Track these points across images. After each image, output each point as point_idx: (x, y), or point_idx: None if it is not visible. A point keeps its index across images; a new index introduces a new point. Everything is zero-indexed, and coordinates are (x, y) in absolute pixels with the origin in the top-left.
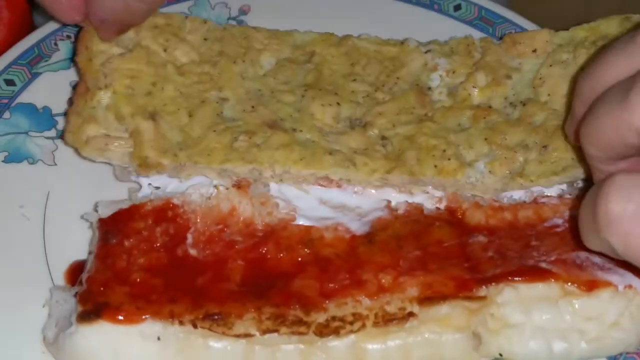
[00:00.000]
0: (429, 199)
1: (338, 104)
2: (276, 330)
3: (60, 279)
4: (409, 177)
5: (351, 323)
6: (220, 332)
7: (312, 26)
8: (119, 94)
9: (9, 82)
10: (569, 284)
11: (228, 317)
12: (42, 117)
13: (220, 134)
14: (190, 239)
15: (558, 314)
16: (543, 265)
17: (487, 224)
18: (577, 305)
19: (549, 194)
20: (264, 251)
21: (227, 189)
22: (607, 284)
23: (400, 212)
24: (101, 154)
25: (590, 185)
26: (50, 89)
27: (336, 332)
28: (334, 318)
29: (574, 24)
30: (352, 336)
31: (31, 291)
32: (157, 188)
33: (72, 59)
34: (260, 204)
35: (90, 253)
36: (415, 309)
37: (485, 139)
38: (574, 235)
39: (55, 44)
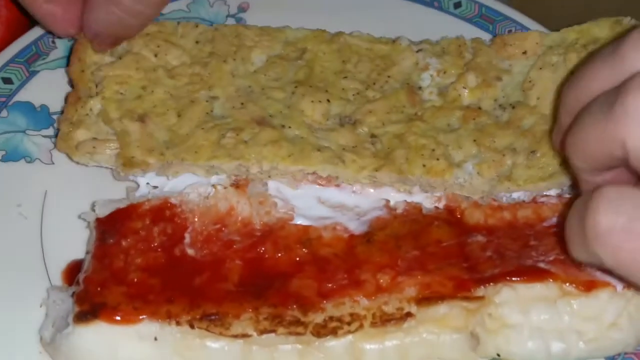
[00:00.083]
0: (428, 198)
1: (328, 101)
2: (274, 331)
3: (58, 279)
4: (398, 175)
5: (349, 323)
6: (217, 333)
7: (312, 22)
8: (109, 99)
9: (7, 81)
10: (568, 284)
11: (225, 317)
12: (39, 116)
13: (208, 132)
14: (187, 238)
15: (556, 314)
16: (541, 265)
17: (485, 223)
18: (575, 306)
19: (548, 193)
20: (261, 251)
21: (225, 188)
22: (606, 284)
23: (399, 211)
24: (91, 158)
25: (578, 192)
26: (48, 88)
27: (334, 332)
28: (331, 318)
29: (574, 22)
30: (350, 336)
31: (28, 291)
32: (155, 187)
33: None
34: (259, 203)
35: (87, 253)
36: (413, 309)
37: (474, 140)
38: (560, 239)
39: (53, 42)
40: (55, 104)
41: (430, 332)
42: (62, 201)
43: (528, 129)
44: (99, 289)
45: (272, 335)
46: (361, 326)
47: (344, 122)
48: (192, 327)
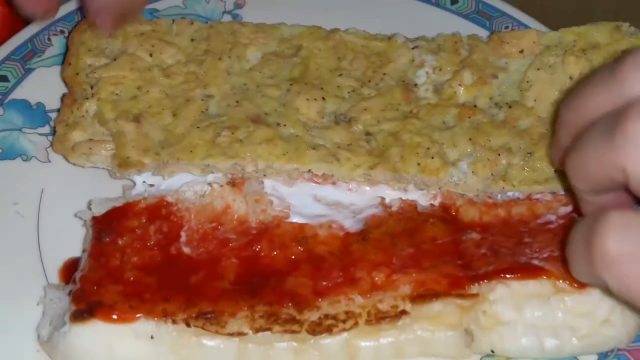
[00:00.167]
0: (424, 195)
1: (323, 98)
2: (269, 329)
3: (55, 277)
4: (392, 173)
5: (344, 321)
6: (213, 331)
7: (308, 18)
8: (104, 100)
9: (2, 78)
10: (561, 281)
11: (221, 315)
12: (35, 114)
13: (203, 130)
14: (184, 237)
15: (550, 311)
16: (535, 262)
17: (480, 220)
18: (568, 302)
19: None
20: (257, 249)
21: (221, 186)
22: None
23: (394, 209)
24: (87, 159)
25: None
26: (43, 85)
27: (329, 330)
28: (326, 316)
29: (571, 17)
30: (345, 334)
31: (25, 289)
32: (151, 185)
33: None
34: (255, 201)
35: (84, 251)
36: (408, 306)
37: (470, 139)
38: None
39: (49, 39)
40: (51, 102)
41: (425, 330)
42: (59, 199)
43: (524, 130)
44: (95, 287)
45: (268, 333)
46: (356, 324)
47: (339, 120)
48: (188, 325)
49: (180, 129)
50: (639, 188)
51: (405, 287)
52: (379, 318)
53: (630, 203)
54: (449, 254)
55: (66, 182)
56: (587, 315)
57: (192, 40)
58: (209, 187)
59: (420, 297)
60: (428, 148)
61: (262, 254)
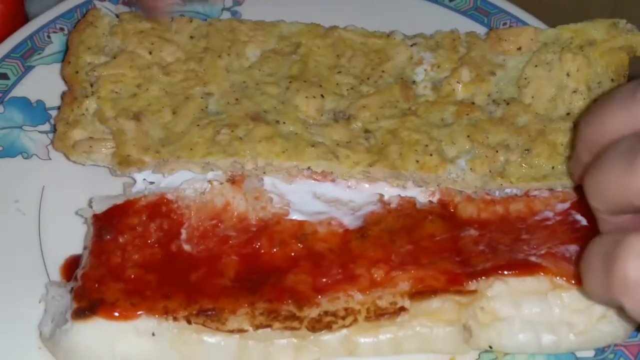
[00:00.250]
0: (422, 192)
1: (322, 96)
2: (269, 326)
3: (56, 274)
4: (391, 171)
5: (343, 318)
6: (214, 328)
7: (307, 16)
8: (104, 98)
9: (2, 76)
10: (558, 277)
11: (222, 312)
12: (36, 111)
13: (203, 128)
14: (184, 234)
15: (547, 307)
16: (533, 259)
17: (478, 217)
18: (565, 299)
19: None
20: (257, 246)
21: (221, 184)
22: None
23: (393, 206)
24: (87, 157)
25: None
26: (43, 83)
27: (328, 327)
28: (326, 313)
29: (568, 14)
30: (345, 330)
31: (27, 286)
32: (152, 183)
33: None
34: (254, 198)
35: (85, 248)
36: (407, 303)
37: (468, 136)
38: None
39: (49, 37)
40: (51, 99)
41: (424, 326)
42: (60, 197)
43: (522, 127)
44: (96, 285)
45: (268, 330)
46: (355, 320)
47: (338, 118)
48: (189, 322)
49: (180, 127)
50: None
51: (404, 284)
52: (378, 314)
53: None
54: (448, 250)
55: (67, 180)
56: (584, 311)
57: (192, 37)
58: (209, 185)
59: (419, 293)
60: (426, 145)
61: (262, 251)
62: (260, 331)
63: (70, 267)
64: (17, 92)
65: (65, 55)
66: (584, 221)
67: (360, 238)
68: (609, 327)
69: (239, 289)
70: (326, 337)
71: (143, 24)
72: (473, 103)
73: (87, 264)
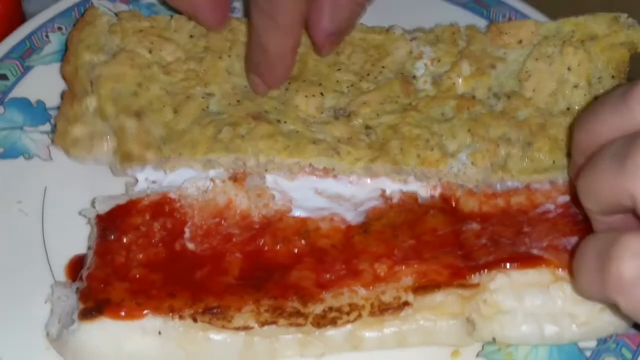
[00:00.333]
0: (423, 187)
1: (322, 94)
2: (274, 322)
3: (61, 274)
4: (392, 166)
5: (348, 313)
6: (219, 326)
7: None
8: (105, 97)
9: (2, 77)
10: (560, 269)
11: (227, 310)
12: (36, 112)
13: (204, 127)
14: (187, 233)
15: (549, 298)
16: (535, 251)
17: (480, 210)
18: (567, 290)
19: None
20: (260, 243)
21: (223, 181)
22: None
23: (394, 201)
24: (88, 154)
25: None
26: (43, 83)
27: (333, 322)
28: (330, 309)
29: (567, 6)
30: (349, 325)
31: (32, 287)
32: (154, 182)
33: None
34: (257, 196)
35: (89, 248)
36: (410, 297)
37: (469, 130)
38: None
39: (47, 36)
40: (51, 99)
41: (427, 319)
42: (62, 197)
43: (523, 121)
44: (102, 285)
45: (273, 326)
46: (360, 316)
47: (339, 115)
48: (194, 320)
49: (182, 126)
50: None
51: (407, 279)
52: (382, 309)
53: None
54: (450, 244)
55: (69, 180)
56: (586, 302)
57: (191, 36)
58: (211, 183)
59: (422, 288)
60: (427, 140)
61: (266, 248)
62: (265, 328)
63: (75, 267)
64: (17, 92)
65: (65, 54)
66: (581, 213)
67: (362, 233)
68: (611, 318)
69: (244, 287)
70: (331, 332)
71: (142, 23)
72: (473, 97)
73: (92, 264)
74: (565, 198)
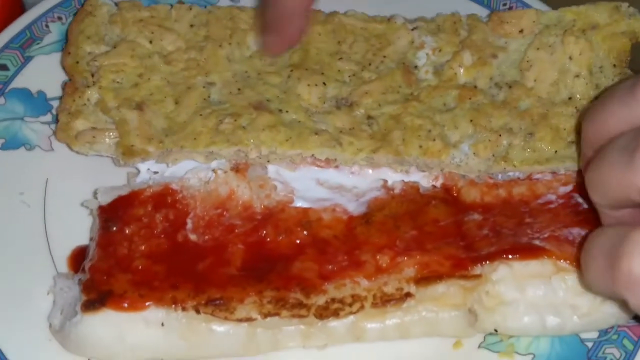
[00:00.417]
0: (425, 177)
1: (324, 83)
2: (277, 314)
3: (63, 265)
4: (395, 156)
5: (350, 305)
6: (222, 317)
7: None
8: (106, 88)
9: (2, 67)
10: (562, 260)
11: (230, 301)
12: (37, 102)
13: (206, 118)
14: (190, 224)
15: (551, 290)
16: (536, 242)
17: (482, 201)
18: (569, 281)
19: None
20: (263, 234)
21: (225, 172)
22: None
23: (396, 191)
24: (90, 147)
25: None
26: (43, 73)
27: (335, 314)
28: (333, 300)
29: None
30: (352, 317)
31: (35, 278)
32: (156, 173)
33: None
34: (259, 186)
35: (91, 239)
36: (412, 289)
37: (471, 120)
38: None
39: (47, 26)
40: (52, 90)
41: (430, 311)
42: (64, 188)
43: (525, 111)
44: (104, 277)
45: (276, 318)
46: (362, 307)
47: (341, 105)
48: (197, 312)
49: (183, 117)
50: None
51: (409, 270)
52: (384, 301)
53: None
54: (452, 235)
55: (70, 170)
56: (588, 294)
57: (192, 26)
58: (213, 174)
59: (425, 279)
60: (429, 130)
61: (268, 239)
62: (268, 319)
63: (77, 258)
64: (18, 83)
65: (65, 45)
66: (586, 204)
67: (364, 224)
68: (612, 309)
69: (246, 278)
70: (333, 323)
71: (142, 12)
72: (475, 87)
73: (95, 255)
74: (566, 188)
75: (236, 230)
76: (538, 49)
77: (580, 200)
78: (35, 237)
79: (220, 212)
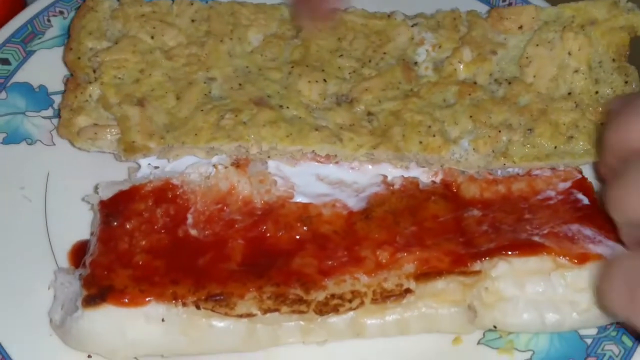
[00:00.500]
0: (425, 172)
1: (325, 80)
2: (277, 310)
3: (64, 260)
4: (395, 152)
5: (350, 301)
6: (222, 313)
7: None
8: (107, 84)
9: (4, 61)
10: (561, 257)
11: (230, 297)
12: (38, 97)
13: (207, 113)
14: (190, 219)
15: (550, 286)
16: (536, 239)
17: (481, 197)
18: (568, 278)
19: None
20: (263, 230)
21: (225, 167)
22: (598, 256)
23: (396, 187)
24: (92, 144)
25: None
26: (45, 67)
27: (335, 310)
28: (333, 296)
29: None
30: (351, 313)
31: (35, 272)
32: (157, 168)
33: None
34: (259, 182)
35: (92, 234)
36: (412, 285)
37: (470, 116)
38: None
39: (48, 20)
40: (53, 84)
41: (429, 307)
42: (65, 182)
43: (524, 106)
44: (105, 272)
45: (276, 314)
46: (362, 303)
47: (341, 101)
48: (198, 307)
49: (184, 112)
50: None
51: (409, 266)
52: (384, 297)
53: None
54: (451, 231)
55: (71, 165)
56: (587, 290)
57: (193, 21)
58: (214, 169)
59: (424, 275)
60: (429, 126)
61: (268, 234)
62: (268, 315)
63: (78, 252)
64: (19, 77)
65: (67, 41)
66: (585, 200)
67: (364, 220)
68: None
69: (246, 273)
70: (333, 319)
71: (144, 8)
72: (475, 83)
73: (95, 250)
74: (566, 184)
75: (236, 226)
76: (537, 45)
77: (579, 196)
78: (36, 232)
79: (221, 207)
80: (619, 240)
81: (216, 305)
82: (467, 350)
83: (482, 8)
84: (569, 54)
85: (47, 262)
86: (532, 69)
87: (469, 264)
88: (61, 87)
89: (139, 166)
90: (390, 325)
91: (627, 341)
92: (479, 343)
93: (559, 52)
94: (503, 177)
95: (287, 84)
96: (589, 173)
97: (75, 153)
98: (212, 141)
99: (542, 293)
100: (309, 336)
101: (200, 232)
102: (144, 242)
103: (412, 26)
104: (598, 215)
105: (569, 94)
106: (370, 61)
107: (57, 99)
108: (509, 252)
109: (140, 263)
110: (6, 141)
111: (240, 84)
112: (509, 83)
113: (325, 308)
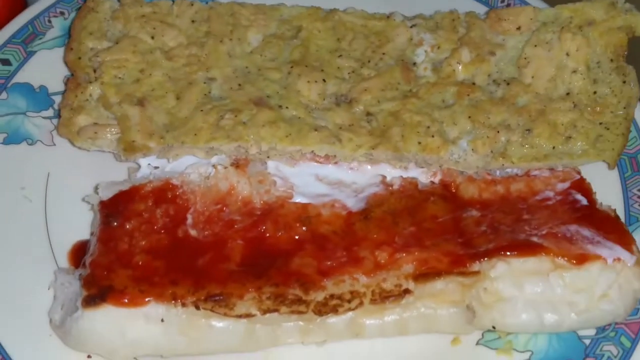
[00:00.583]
0: (424, 173)
1: (324, 80)
2: (276, 310)
3: (64, 260)
4: (394, 153)
5: (349, 301)
6: (222, 313)
7: None
8: (107, 84)
9: (5, 62)
10: (560, 257)
11: (229, 297)
12: (39, 97)
13: (206, 114)
14: (190, 219)
15: (549, 287)
16: (534, 239)
17: (480, 197)
18: (567, 279)
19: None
20: (262, 230)
21: (225, 168)
22: (597, 257)
23: (395, 187)
24: (92, 143)
25: None
26: (46, 68)
27: (334, 310)
28: (332, 296)
29: None
30: (350, 313)
31: (36, 272)
32: (156, 168)
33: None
34: (258, 182)
35: (92, 234)
36: (411, 285)
37: (469, 116)
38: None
39: (49, 21)
40: (54, 85)
41: (428, 307)
42: (65, 182)
43: (523, 107)
44: (105, 272)
45: (275, 314)
46: (361, 303)
47: (340, 101)
48: (197, 308)
49: (184, 112)
50: None
51: (408, 266)
52: (383, 297)
53: None
54: (450, 231)
55: (72, 165)
56: (585, 291)
57: (193, 21)
58: (213, 169)
59: (423, 275)
60: (428, 127)
61: (267, 234)
62: (267, 315)
63: (78, 253)
64: (20, 77)
65: (68, 41)
66: (584, 201)
67: (363, 220)
68: (610, 306)
69: (246, 274)
70: (332, 320)
71: (144, 8)
72: (473, 83)
73: (95, 251)
74: (564, 185)
75: (236, 226)
76: (535, 45)
77: (578, 197)
78: (36, 232)
79: (220, 208)
80: (617, 240)
81: (215, 305)
82: (465, 350)
83: (481, 9)
84: (567, 54)
85: (47, 262)
86: (531, 70)
87: (467, 265)
88: (62, 88)
89: (139, 166)
90: (389, 325)
91: (626, 342)
92: (477, 343)
93: (557, 52)
94: (502, 178)
95: (287, 84)
96: (587, 173)
97: (76, 153)
98: (211, 141)
99: (541, 293)
100: (308, 336)
101: (200, 233)
102: (143, 243)
103: (411, 27)
104: (597, 216)
105: (567, 94)
106: (369, 61)
107: (58, 99)
108: (508, 253)
109: (140, 263)
110: (7, 141)
111: (239, 84)
112: (508, 84)
113: (325, 308)
